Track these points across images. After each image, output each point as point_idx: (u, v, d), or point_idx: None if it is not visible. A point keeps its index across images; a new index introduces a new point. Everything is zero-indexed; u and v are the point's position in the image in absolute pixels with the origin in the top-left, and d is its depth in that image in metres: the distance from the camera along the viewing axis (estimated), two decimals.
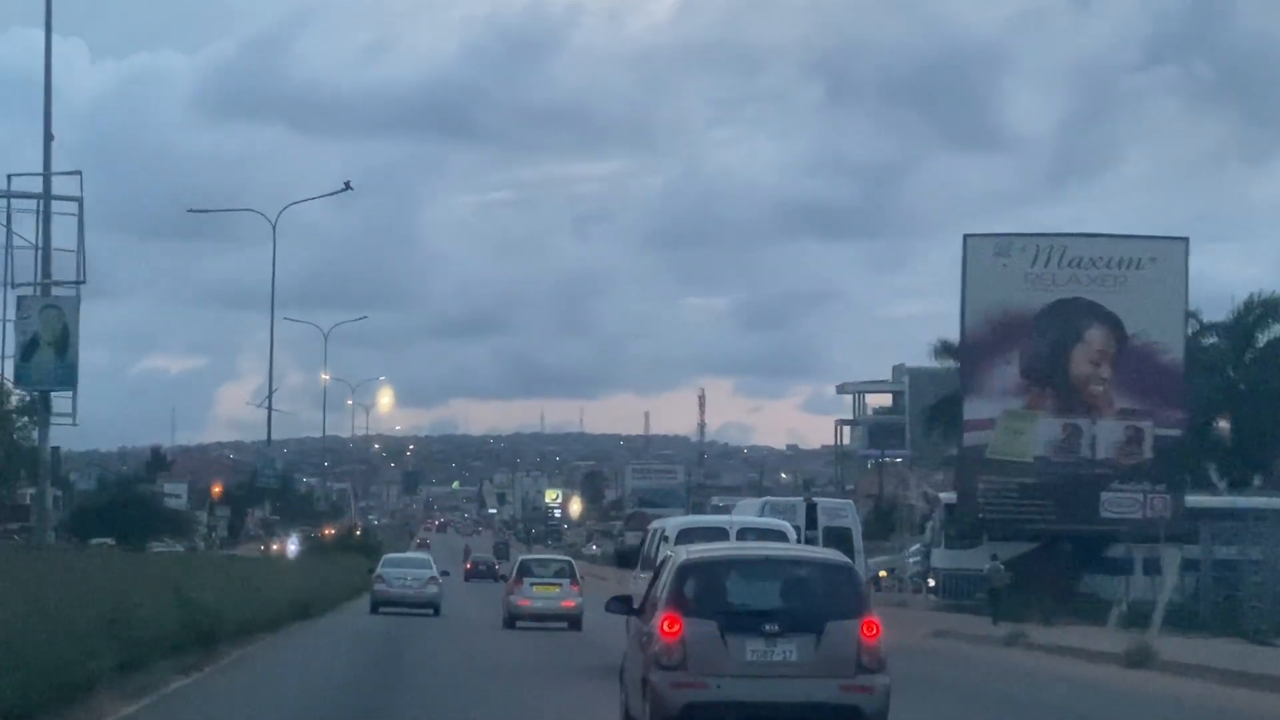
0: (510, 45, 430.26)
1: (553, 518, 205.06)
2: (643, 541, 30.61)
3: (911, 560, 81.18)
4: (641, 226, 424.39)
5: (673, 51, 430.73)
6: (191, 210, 57.05)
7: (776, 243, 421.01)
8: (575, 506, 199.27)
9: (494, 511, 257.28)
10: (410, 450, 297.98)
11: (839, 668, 13.97)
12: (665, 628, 14.06)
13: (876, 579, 70.47)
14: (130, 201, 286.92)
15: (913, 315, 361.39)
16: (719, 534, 25.67)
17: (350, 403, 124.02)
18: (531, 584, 42.49)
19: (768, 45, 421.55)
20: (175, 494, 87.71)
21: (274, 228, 54.47)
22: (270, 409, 47.19)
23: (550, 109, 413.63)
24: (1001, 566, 51.50)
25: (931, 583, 65.04)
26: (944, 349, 69.18)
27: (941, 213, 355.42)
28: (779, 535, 26.02)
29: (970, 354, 58.59)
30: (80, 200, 32.09)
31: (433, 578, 49.76)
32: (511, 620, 42.16)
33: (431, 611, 48.17)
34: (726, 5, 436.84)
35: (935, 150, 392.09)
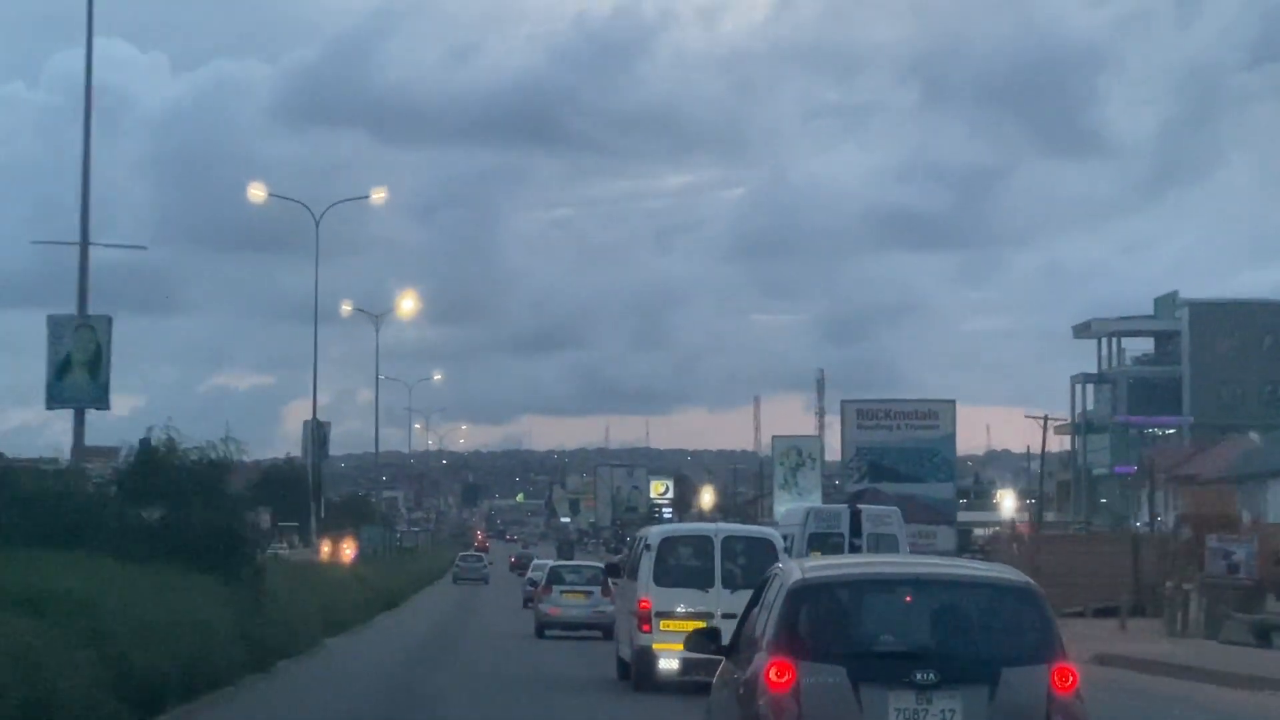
0: (596, 50, 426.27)
1: (660, 516, 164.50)
2: (630, 549, 30.01)
3: None
4: (723, 238, 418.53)
5: (764, 55, 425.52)
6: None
7: (861, 254, 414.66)
8: (707, 498, 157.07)
9: (567, 520, 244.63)
10: (470, 464, 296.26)
11: None
12: (772, 676, 10.52)
13: None
14: (207, 212, 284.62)
15: (996, 330, 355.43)
16: (703, 543, 25.30)
17: (411, 413, 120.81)
18: (561, 592, 42.80)
19: (863, 48, 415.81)
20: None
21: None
22: None
23: (635, 115, 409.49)
24: None
25: None
26: None
27: (1035, 221, 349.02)
28: (765, 544, 25.38)
29: None
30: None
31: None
32: (541, 629, 42.29)
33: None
34: (821, 7, 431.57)
35: (1030, 156, 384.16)
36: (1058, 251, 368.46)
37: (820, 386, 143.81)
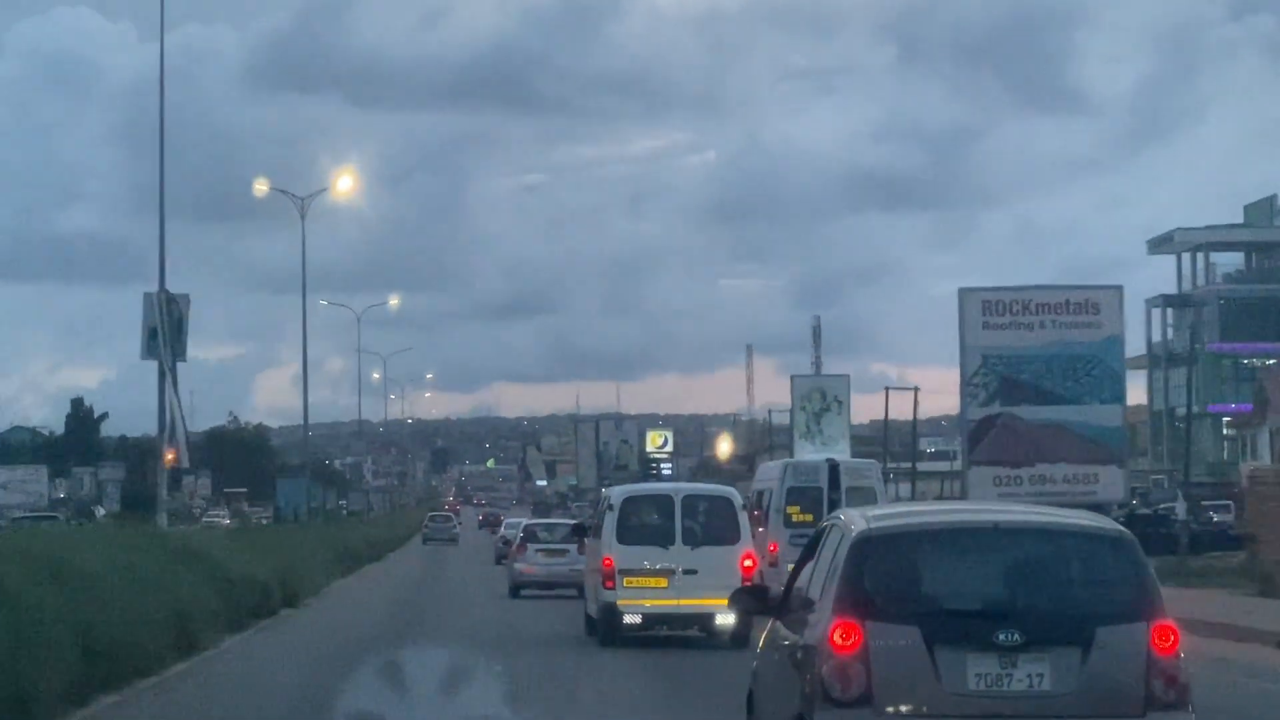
0: (567, 12, 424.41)
1: (658, 471, 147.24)
2: (596, 509, 31.65)
3: None
4: (696, 202, 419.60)
5: (737, 16, 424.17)
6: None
7: (836, 216, 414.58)
8: (724, 446, 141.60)
9: (543, 483, 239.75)
10: (440, 430, 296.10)
11: (1119, 701, 9.47)
12: (836, 639, 9.55)
13: None
14: (180, 181, 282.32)
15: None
16: (664, 501, 26.71)
17: (377, 376, 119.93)
18: (536, 550, 42.45)
19: (837, 7, 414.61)
20: None
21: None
22: None
23: (608, 78, 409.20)
24: None
25: None
26: None
27: (1012, 180, 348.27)
28: (724, 502, 26.73)
29: None
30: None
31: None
32: (516, 589, 42.23)
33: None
34: None
35: (1008, 114, 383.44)
36: (1037, 208, 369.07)
37: (817, 335, 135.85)
